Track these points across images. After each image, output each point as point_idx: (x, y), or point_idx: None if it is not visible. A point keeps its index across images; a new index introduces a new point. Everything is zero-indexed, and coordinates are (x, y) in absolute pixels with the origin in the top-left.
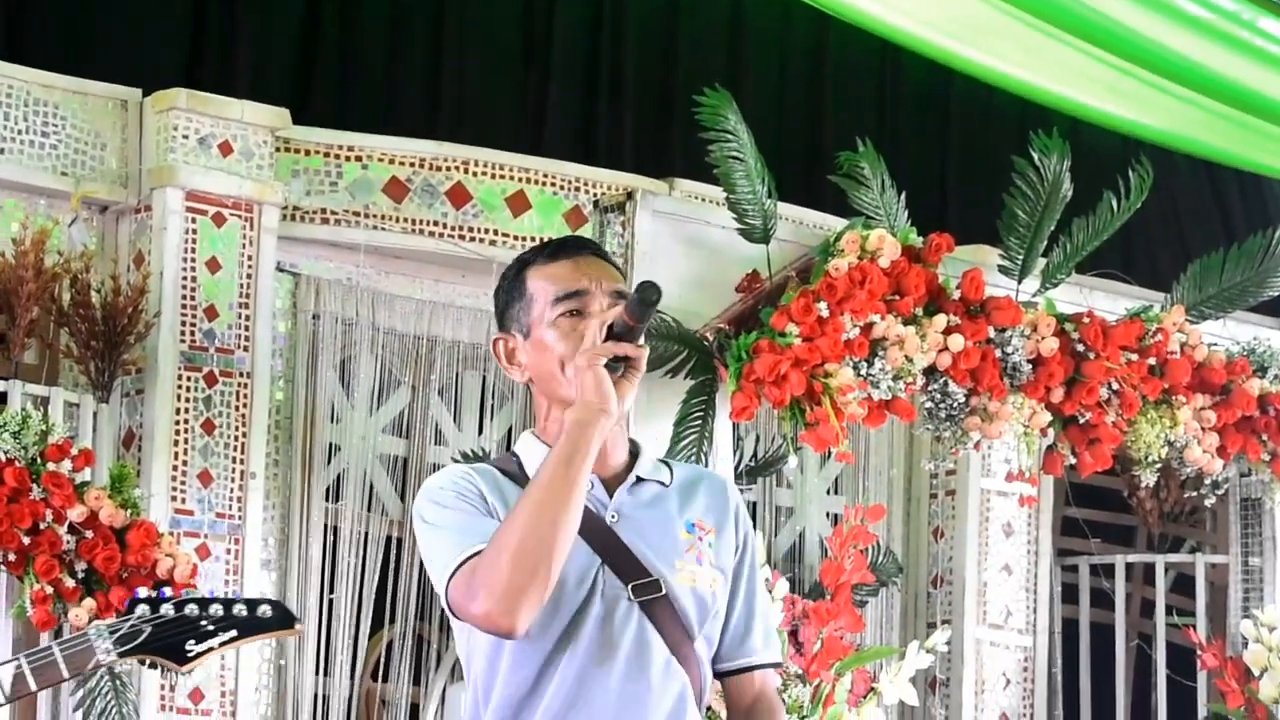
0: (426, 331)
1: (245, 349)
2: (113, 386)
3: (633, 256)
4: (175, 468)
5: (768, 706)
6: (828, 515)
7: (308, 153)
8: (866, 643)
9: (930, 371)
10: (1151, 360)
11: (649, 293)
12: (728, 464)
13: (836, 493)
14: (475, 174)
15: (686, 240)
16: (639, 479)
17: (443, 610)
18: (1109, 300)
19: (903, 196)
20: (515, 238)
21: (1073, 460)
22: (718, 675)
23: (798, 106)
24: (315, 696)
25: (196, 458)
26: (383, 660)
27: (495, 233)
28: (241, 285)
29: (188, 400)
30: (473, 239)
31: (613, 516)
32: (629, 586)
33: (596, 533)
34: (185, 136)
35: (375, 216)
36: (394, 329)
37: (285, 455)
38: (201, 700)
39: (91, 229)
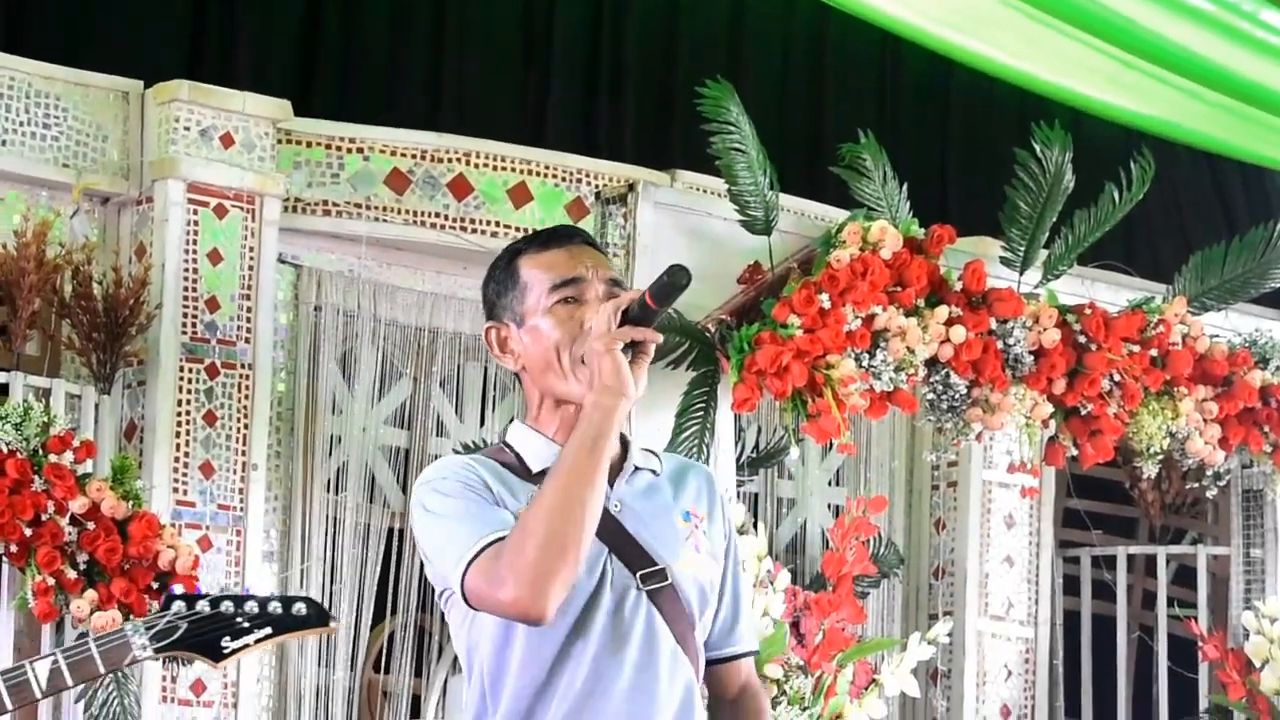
0: (428, 323)
1: (247, 341)
2: (114, 378)
3: (634, 248)
4: (177, 459)
5: (755, 693)
6: (829, 507)
7: (309, 144)
8: (868, 634)
9: (932, 363)
10: (1153, 352)
11: (679, 276)
12: (729, 455)
13: (838, 484)
14: (477, 166)
15: (688, 232)
16: (636, 468)
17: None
18: (1111, 292)
19: (904, 188)
20: (517, 229)
21: (1074, 452)
22: (705, 664)
23: (799, 98)
24: (317, 688)
25: (198, 449)
26: (384, 652)
27: (497, 224)
28: (243, 277)
29: (189, 392)
30: (474, 231)
31: (616, 506)
32: (637, 575)
33: (603, 523)
34: (187, 128)
35: (377, 208)
36: (395, 321)
37: (287, 447)
38: (203, 692)
39: (93, 221)
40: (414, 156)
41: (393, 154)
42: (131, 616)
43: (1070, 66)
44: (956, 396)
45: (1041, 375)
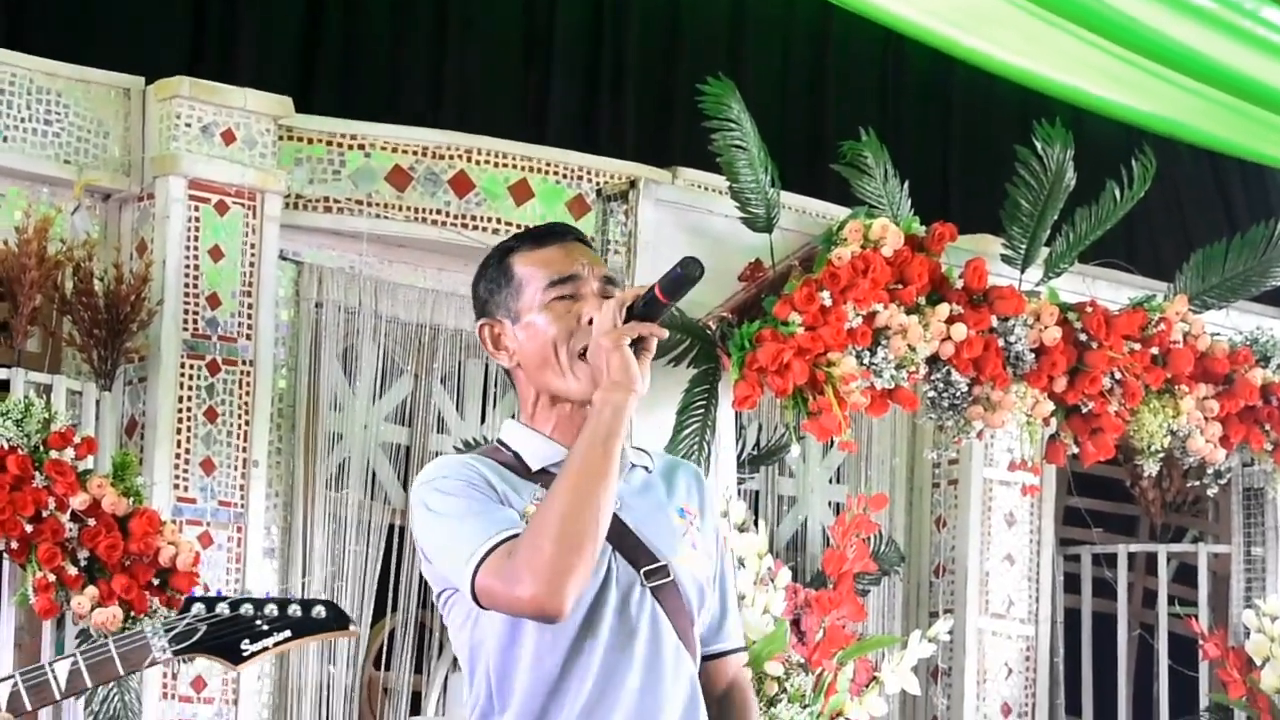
0: (429, 320)
1: (248, 337)
2: (115, 374)
3: (635, 245)
4: (178, 456)
5: (743, 690)
6: (830, 504)
7: (310, 141)
8: (869, 632)
9: (933, 360)
10: (1154, 350)
11: (693, 268)
12: (730, 453)
13: (839, 482)
14: (478, 162)
15: (689, 229)
16: (631, 466)
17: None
18: (1112, 290)
19: (905, 185)
20: (518, 226)
21: (1075, 450)
22: None
23: (800, 96)
24: (318, 685)
25: (199, 446)
26: (385, 649)
27: (498, 221)
28: (244, 273)
29: (190, 388)
30: (475, 228)
31: (617, 503)
32: (641, 572)
33: None
34: (188, 125)
35: (378, 205)
36: (396, 317)
37: (288, 443)
38: (204, 688)
39: (94, 217)
40: (415, 153)
41: (394, 151)
42: (132, 613)
43: (1072, 64)
44: (957, 394)
45: (1042, 373)
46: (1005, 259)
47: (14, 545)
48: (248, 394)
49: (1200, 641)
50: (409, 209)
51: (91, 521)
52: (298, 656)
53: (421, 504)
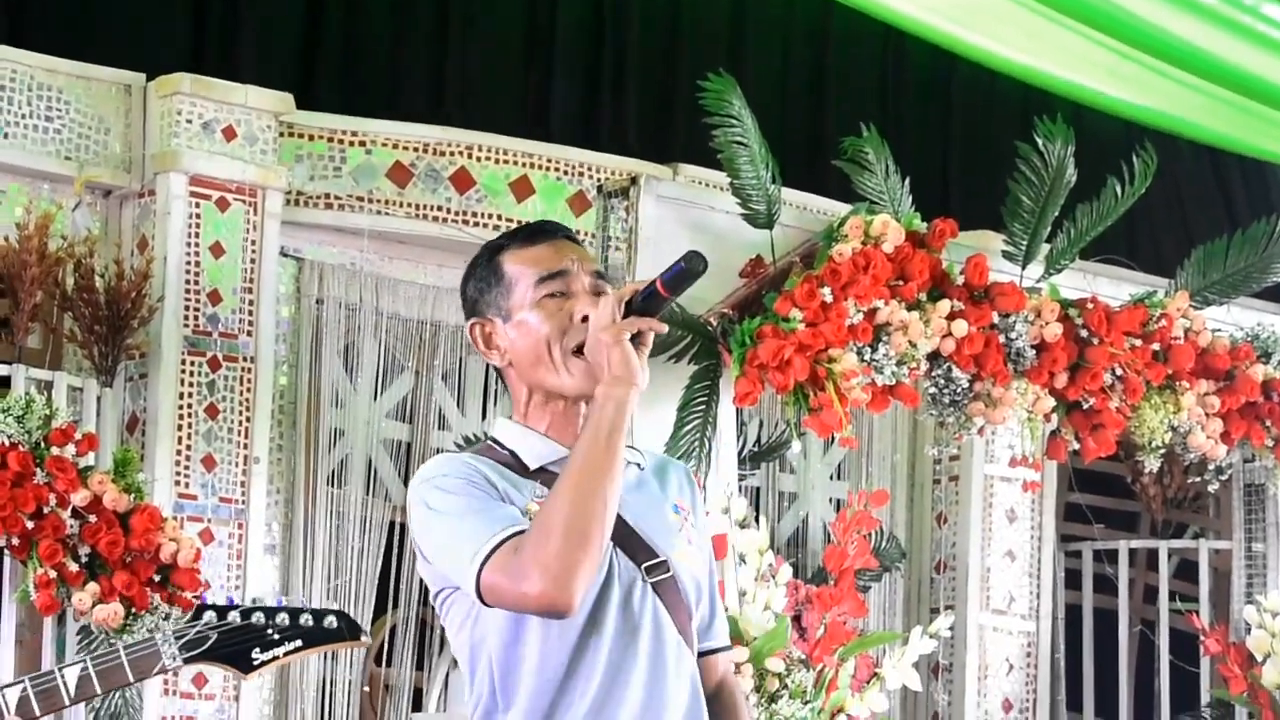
0: (430, 316)
1: (249, 334)
2: (116, 371)
3: (636, 242)
4: (179, 452)
5: (732, 688)
6: (831, 500)
7: (311, 138)
8: (870, 628)
9: (934, 357)
10: (1155, 346)
11: (696, 262)
12: (731, 449)
13: (840, 478)
14: (479, 159)
15: (690, 225)
16: (626, 463)
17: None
18: (1113, 286)
19: (906, 182)
20: (519, 223)
21: (1076, 446)
22: None
23: (800, 93)
24: (319, 681)
25: (200, 442)
26: (386, 645)
27: (499, 218)
28: (245, 270)
29: (191, 385)
30: (476, 224)
31: None
32: (642, 568)
33: None
34: (189, 121)
35: (379, 201)
36: (397, 314)
37: (289, 440)
38: (205, 685)
39: (95, 214)
40: (416, 150)
41: (395, 147)
42: (133, 610)
43: (1073, 60)
44: (958, 390)
45: (1043, 369)
46: (1006, 255)
47: (15, 542)
48: (249, 390)
49: (1201, 637)
50: (410, 205)
51: (92, 518)
52: None
53: (421, 502)
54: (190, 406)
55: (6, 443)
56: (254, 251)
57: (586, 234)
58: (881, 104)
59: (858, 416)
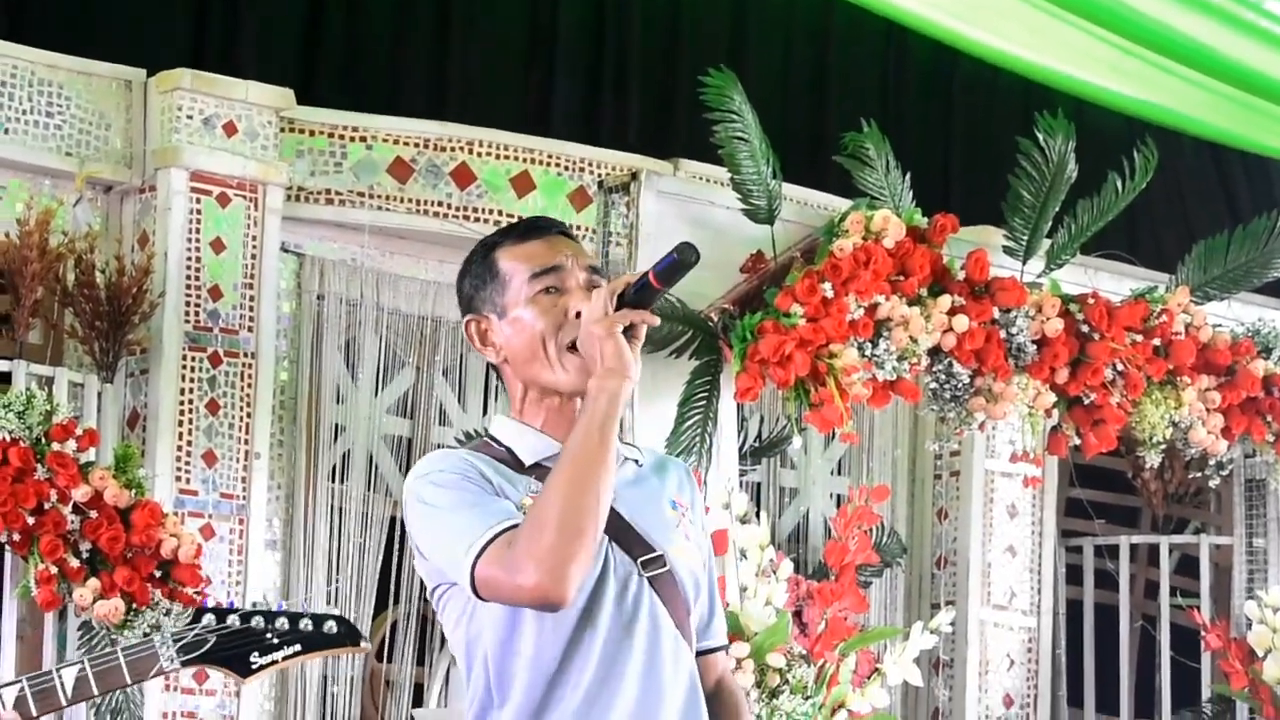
0: (431, 312)
1: (250, 329)
2: (117, 367)
3: (637, 237)
4: (180, 448)
5: (732, 687)
6: (832, 496)
7: (312, 133)
8: (871, 623)
9: (935, 352)
10: (1156, 341)
11: (688, 254)
12: (732, 445)
13: (841, 473)
14: (480, 155)
15: (691, 221)
16: (623, 458)
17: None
18: (1114, 281)
19: (907, 177)
20: (520, 218)
21: (1077, 441)
22: None
23: (801, 88)
24: (320, 677)
25: (201, 438)
26: (387, 640)
27: (500, 213)
28: (246, 266)
29: (192, 380)
30: (477, 220)
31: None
32: (638, 562)
33: None
34: (190, 117)
35: (380, 197)
36: (398, 309)
37: (290, 436)
38: (205, 681)
39: (96, 209)
40: (417, 145)
41: (395, 143)
42: (134, 605)
43: (1074, 55)
44: (959, 386)
45: (1044, 364)
46: (1007, 250)
47: (16, 537)
48: (249, 386)
49: (1202, 633)
50: (410, 201)
51: (93, 514)
52: None
53: (416, 498)
54: (191, 402)
55: (7, 438)
56: (255, 247)
57: (587, 229)
58: (883, 99)
59: (858, 412)
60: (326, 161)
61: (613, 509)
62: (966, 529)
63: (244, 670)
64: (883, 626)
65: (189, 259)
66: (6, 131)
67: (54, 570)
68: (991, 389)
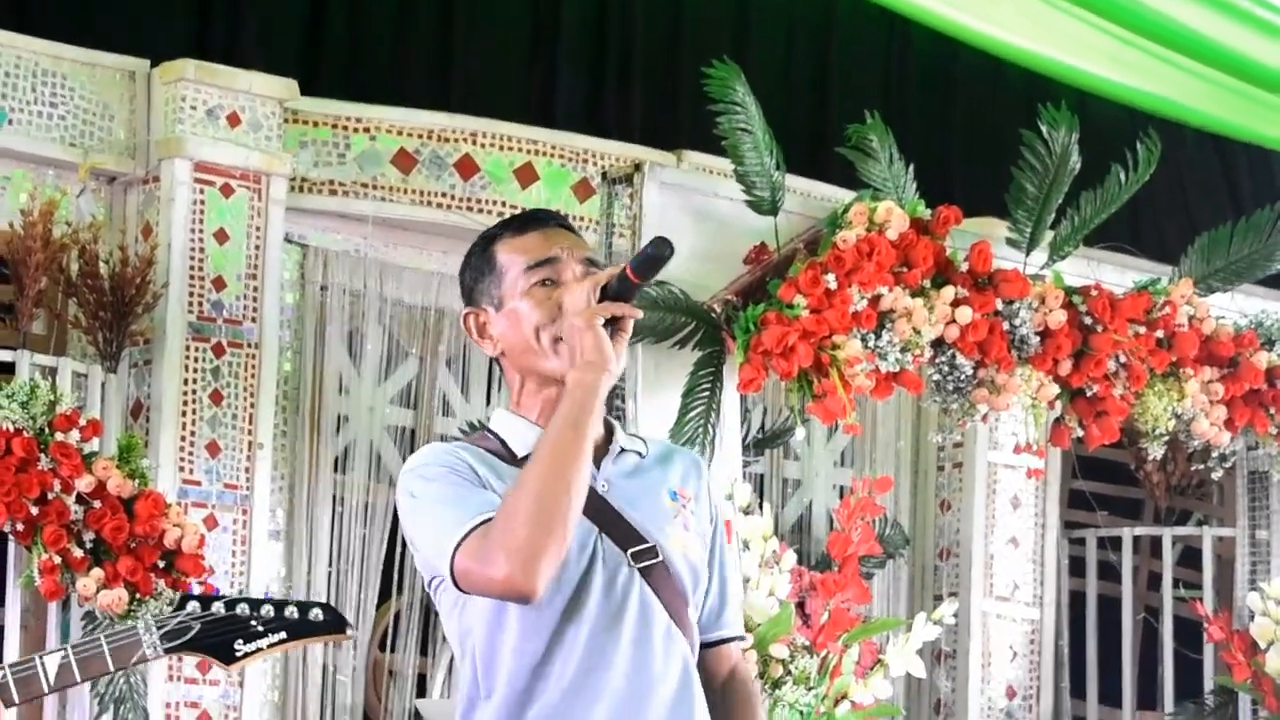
0: (434, 303)
1: (253, 320)
2: (121, 357)
3: (640, 228)
4: (183, 438)
5: (745, 678)
6: (835, 487)
7: (316, 124)
8: (873, 614)
9: (938, 344)
10: (1159, 333)
11: (662, 247)
12: (735, 436)
13: (844, 465)
14: (483, 146)
15: (694, 212)
16: (622, 450)
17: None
18: (1117, 273)
19: (910, 169)
20: (523, 210)
21: (1080, 433)
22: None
23: (804, 81)
24: (323, 667)
25: (204, 428)
26: (390, 631)
27: (503, 204)
28: (249, 256)
29: (196, 371)
30: (481, 211)
31: (604, 486)
32: (628, 553)
33: (591, 502)
34: (193, 108)
35: (383, 188)
36: (402, 300)
37: (293, 426)
38: (209, 670)
39: (99, 200)
40: (420, 136)
41: (399, 134)
42: (138, 595)
43: (1076, 47)
44: (962, 377)
45: (1047, 356)
46: (1010, 242)
47: (19, 527)
48: (253, 377)
49: (1205, 625)
50: (414, 192)
51: (97, 504)
52: None
53: (405, 492)
54: (194, 392)
55: (11, 428)
56: (258, 238)
57: (590, 221)
58: (885, 91)
59: (861, 403)
60: (330, 152)
61: (605, 501)
62: (969, 520)
63: (228, 658)
64: (885, 618)
65: (192, 250)
66: (11, 122)
67: (58, 560)
68: (994, 381)
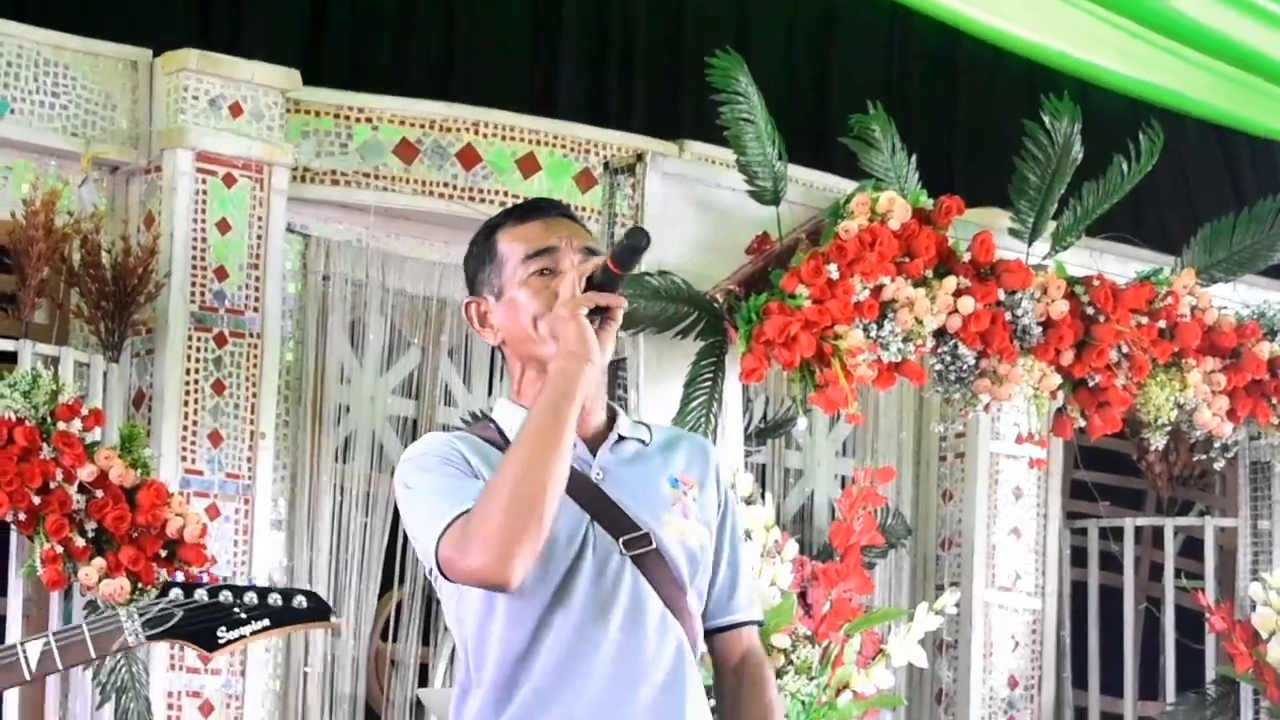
0: (436, 293)
1: (255, 310)
2: (123, 346)
3: (642, 219)
4: (185, 428)
5: (757, 662)
6: (837, 477)
7: (318, 114)
8: (875, 604)
9: (940, 334)
10: (1161, 323)
11: (638, 238)
12: (737, 426)
13: (846, 455)
14: (485, 136)
15: (696, 202)
16: (621, 437)
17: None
18: (1119, 263)
19: (912, 159)
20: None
21: (1082, 423)
22: (704, 634)
23: (806, 71)
24: (325, 657)
25: (206, 418)
26: (392, 620)
27: (505, 194)
28: (251, 246)
29: (198, 361)
30: (483, 201)
31: (598, 474)
32: (619, 541)
33: (584, 490)
34: (195, 98)
35: (385, 178)
36: (404, 290)
37: (295, 416)
38: (210, 660)
39: (102, 190)
40: (422, 126)
41: (401, 124)
42: (140, 585)
43: (1079, 37)
44: (964, 367)
45: (1049, 346)
46: (1012, 232)
47: (22, 517)
48: (255, 366)
49: (1206, 615)
50: (416, 182)
51: (99, 493)
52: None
53: (402, 483)
54: (196, 382)
55: (13, 418)
56: (260, 228)
57: (592, 211)
58: (887, 81)
59: (863, 393)
60: (332, 142)
61: (599, 489)
62: (971, 511)
63: (210, 644)
64: (887, 608)
65: (194, 239)
66: (13, 112)
67: (59, 549)
68: (996, 371)
